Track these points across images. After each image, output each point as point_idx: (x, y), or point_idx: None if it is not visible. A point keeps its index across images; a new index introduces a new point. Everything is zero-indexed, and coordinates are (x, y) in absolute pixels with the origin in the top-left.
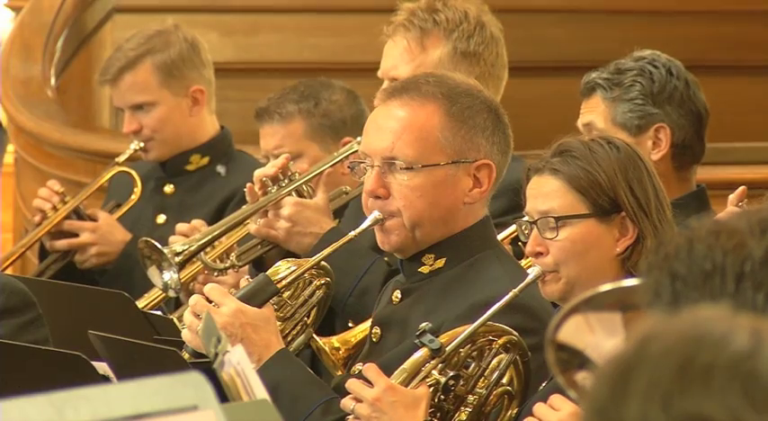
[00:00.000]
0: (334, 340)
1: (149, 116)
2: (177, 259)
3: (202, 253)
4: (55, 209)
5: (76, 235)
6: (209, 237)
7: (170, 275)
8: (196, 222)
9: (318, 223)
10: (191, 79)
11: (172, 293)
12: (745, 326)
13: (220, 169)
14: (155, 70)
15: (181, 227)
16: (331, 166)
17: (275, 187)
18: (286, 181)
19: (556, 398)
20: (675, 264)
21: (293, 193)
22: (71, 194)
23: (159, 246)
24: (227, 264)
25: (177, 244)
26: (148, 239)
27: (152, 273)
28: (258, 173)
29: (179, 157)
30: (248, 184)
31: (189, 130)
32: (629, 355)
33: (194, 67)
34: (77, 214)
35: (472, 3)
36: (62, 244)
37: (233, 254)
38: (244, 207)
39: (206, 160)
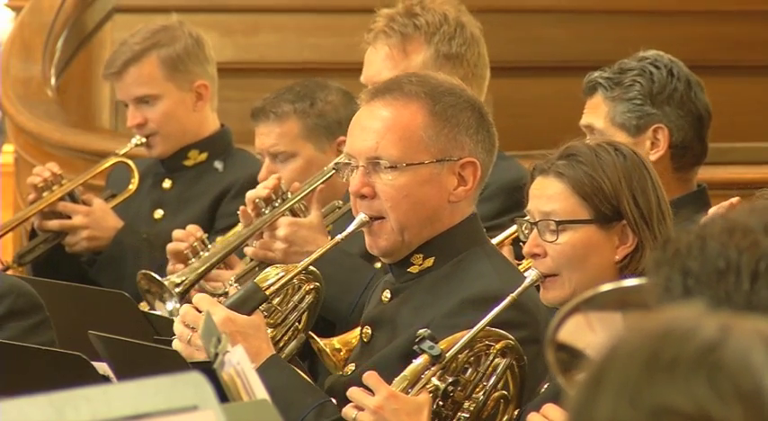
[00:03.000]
0: (335, 341)
1: (154, 110)
2: (178, 289)
3: (202, 280)
4: (49, 187)
5: (70, 217)
6: (208, 264)
7: (173, 305)
8: (191, 228)
9: (314, 241)
10: (195, 74)
11: None
12: (714, 320)
13: (218, 165)
14: (160, 64)
15: (177, 233)
16: (323, 183)
17: (269, 208)
18: (279, 201)
19: (549, 408)
20: (688, 261)
21: (287, 213)
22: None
23: (158, 277)
24: (226, 289)
25: (175, 275)
26: (147, 272)
27: (158, 307)
28: (250, 195)
29: (178, 153)
30: (242, 207)
31: (192, 126)
32: (601, 357)
33: (199, 62)
34: (72, 198)
35: (450, 4)
36: (54, 224)
37: (231, 277)
38: (239, 230)
39: (204, 156)
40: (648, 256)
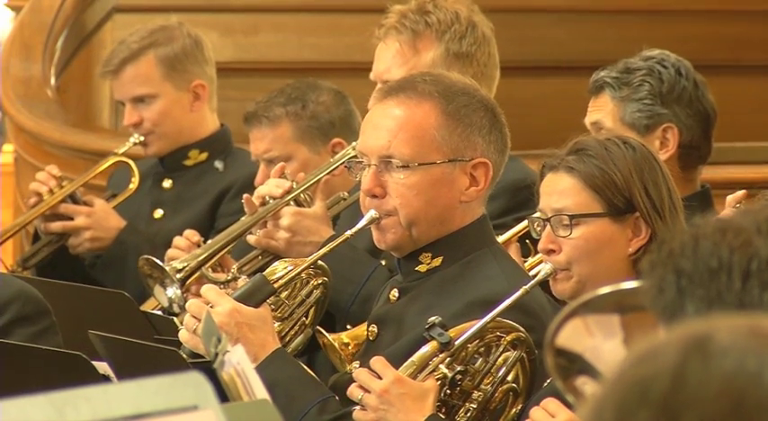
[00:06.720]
0: (344, 336)
1: (150, 109)
2: (179, 276)
3: (203, 268)
4: (51, 192)
5: (72, 218)
6: (210, 251)
7: (173, 291)
8: (193, 238)
9: (318, 232)
10: (193, 74)
11: (176, 309)
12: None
13: (218, 164)
14: (158, 63)
15: (178, 241)
16: (328, 174)
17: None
18: None
19: (551, 403)
20: (681, 261)
21: (291, 203)
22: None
23: (160, 263)
24: (228, 277)
25: (178, 260)
26: (149, 257)
27: (157, 291)
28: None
29: (177, 153)
30: (246, 196)
31: (189, 125)
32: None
33: (197, 62)
34: (73, 199)
35: (462, 3)
36: (56, 226)
37: (234, 266)
38: (243, 219)
39: (204, 156)
40: (645, 258)
